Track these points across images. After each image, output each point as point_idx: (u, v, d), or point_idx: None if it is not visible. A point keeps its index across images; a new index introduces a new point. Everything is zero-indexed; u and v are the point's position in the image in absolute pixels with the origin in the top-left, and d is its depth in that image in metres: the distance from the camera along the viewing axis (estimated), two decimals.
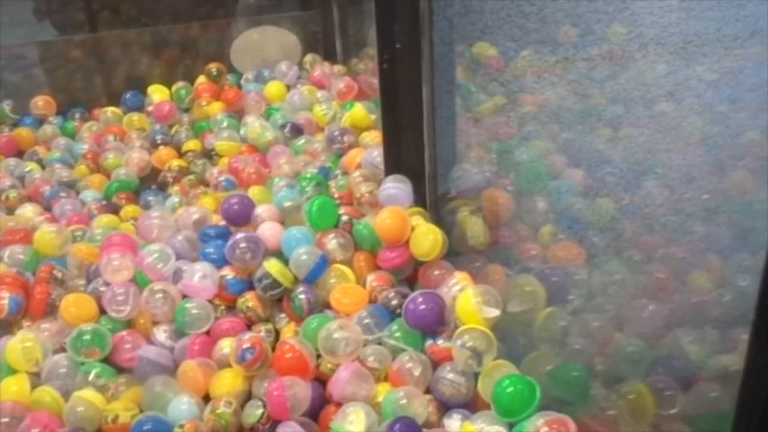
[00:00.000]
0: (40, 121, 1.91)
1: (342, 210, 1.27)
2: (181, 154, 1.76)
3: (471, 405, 1.04)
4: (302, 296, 1.17)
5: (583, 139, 1.17)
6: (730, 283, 0.98)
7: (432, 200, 1.29)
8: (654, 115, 1.03)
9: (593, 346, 1.01)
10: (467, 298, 1.05)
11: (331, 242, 1.22)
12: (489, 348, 1.03)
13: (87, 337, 1.12)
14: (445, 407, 1.04)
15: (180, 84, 1.96)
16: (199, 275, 1.19)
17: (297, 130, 1.70)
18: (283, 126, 1.70)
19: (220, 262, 1.22)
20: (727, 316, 0.96)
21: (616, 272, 1.06)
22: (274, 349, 1.10)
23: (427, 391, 1.05)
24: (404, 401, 1.01)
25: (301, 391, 1.03)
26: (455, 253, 1.21)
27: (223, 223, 1.31)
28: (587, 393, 0.98)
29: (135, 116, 1.90)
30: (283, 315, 1.21)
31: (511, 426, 0.97)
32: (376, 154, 1.37)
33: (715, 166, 0.99)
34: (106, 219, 1.48)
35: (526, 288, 1.06)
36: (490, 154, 1.26)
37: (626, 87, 1.05)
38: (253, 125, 1.69)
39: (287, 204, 1.31)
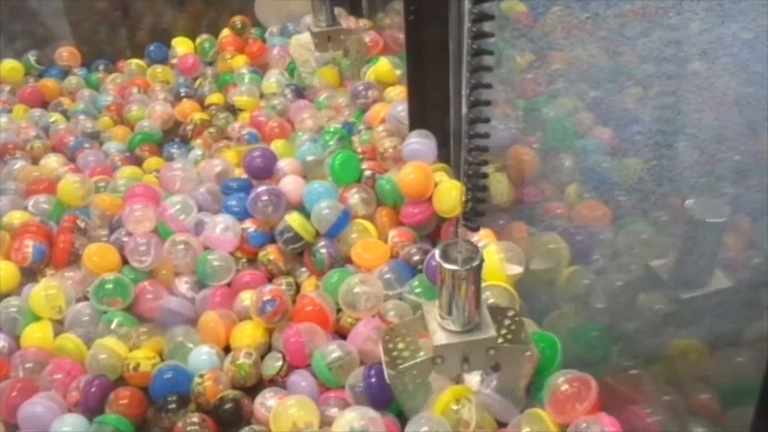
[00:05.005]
0: (65, 72, 1.91)
1: (365, 165, 1.26)
2: (204, 107, 1.74)
3: None
4: (323, 250, 1.17)
5: (612, 98, 1.14)
6: (759, 246, 0.96)
7: (456, 157, 1.27)
8: (686, 75, 1.00)
9: (616, 306, 1.00)
10: (490, 255, 1.04)
11: (354, 197, 1.22)
12: (511, 305, 1.02)
13: (109, 286, 1.13)
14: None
15: (204, 37, 1.94)
16: (221, 227, 1.19)
17: None
18: None
19: (242, 215, 1.22)
20: (755, 280, 0.95)
21: (643, 232, 1.04)
22: (294, 302, 1.11)
23: None
24: None
25: (319, 338, 1.03)
26: None
27: (245, 176, 1.31)
28: (609, 353, 0.97)
29: (159, 68, 1.89)
30: (303, 269, 1.21)
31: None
32: (401, 109, 1.36)
33: (748, 127, 0.96)
34: (129, 170, 1.47)
35: (550, 246, 1.04)
36: (516, 111, 1.24)
37: (658, 45, 1.02)
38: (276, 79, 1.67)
39: (310, 158, 1.30)
